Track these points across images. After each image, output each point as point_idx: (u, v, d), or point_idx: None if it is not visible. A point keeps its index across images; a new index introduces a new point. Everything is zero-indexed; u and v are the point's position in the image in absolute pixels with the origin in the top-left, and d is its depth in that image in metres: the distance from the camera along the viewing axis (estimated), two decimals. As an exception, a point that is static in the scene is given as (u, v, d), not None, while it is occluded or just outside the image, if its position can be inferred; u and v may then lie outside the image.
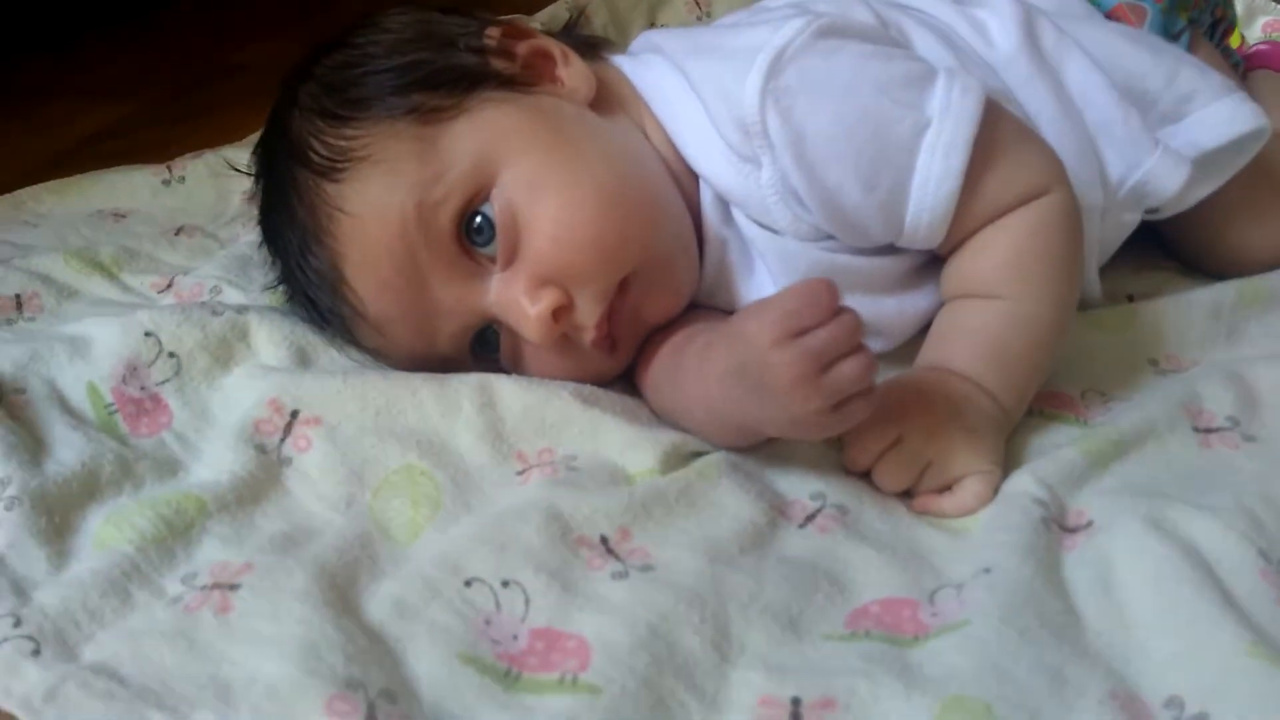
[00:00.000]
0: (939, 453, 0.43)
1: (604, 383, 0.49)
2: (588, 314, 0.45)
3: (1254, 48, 0.76)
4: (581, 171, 0.46)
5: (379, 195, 0.45)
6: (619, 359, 0.49)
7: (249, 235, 0.69)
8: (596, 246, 0.45)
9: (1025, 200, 0.46)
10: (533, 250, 0.45)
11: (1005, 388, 0.45)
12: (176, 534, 0.39)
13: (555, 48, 0.51)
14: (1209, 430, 0.46)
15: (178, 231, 0.70)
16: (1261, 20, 1.09)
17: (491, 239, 0.46)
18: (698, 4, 1.06)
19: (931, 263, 0.50)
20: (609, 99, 0.51)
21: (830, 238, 0.48)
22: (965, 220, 0.46)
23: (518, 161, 0.46)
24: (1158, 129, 0.53)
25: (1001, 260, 0.46)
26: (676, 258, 0.49)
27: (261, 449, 0.43)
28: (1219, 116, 0.53)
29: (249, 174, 0.53)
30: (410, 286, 0.46)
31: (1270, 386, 0.49)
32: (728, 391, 0.41)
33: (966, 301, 0.47)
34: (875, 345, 0.50)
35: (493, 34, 0.50)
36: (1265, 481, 0.42)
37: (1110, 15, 0.58)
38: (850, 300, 0.48)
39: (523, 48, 0.51)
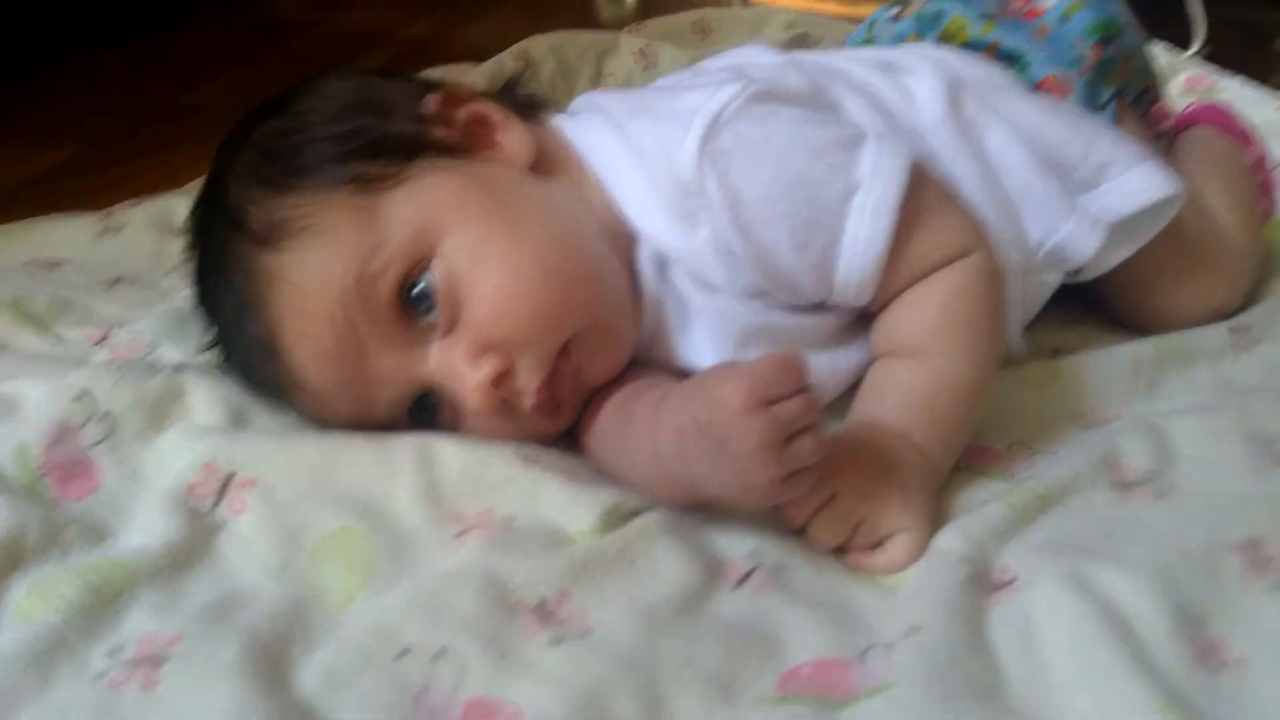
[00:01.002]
0: (871, 510, 0.44)
1: (547, 442, 0.49)
2: (528, 380, 0.46)
3: (1190, 106, 0.78)
4: (521, 239, 0.47)
5: (318, 265, 0.45)
6: (561, 420, 0.49)
7: (187, 288, 0.68)
8: (537, 314, 0.46)
9: (949, 261, 0.48)
10: (474, 318, 0.46)
11: (934, 443, 0.47)
12: (105, 603, 0.38)
13: (494, 112, 0.52)
14: (1128, 484, 0.48)
15: (115, 282, 0.70)
16: (1183, 75, 1.14)
17: (432, 308, 0.46)
18: (643, 54, 1.08)
19: (861, 320, 0.51)
20: (548, 162, 0.52)
21: (765, 295, 0.49)
22: (893, 280, 0.48)
23: (458, 231, 0.46)
24: (1076, 195, 0.55)
25: (928, 319, 0.48)
26: (616, 320, 0.49)
27: (195, 512, 0.43)
28: (1134, 184, 0.55)
29: (185, 233, 0.53)
30: (349, 355, 0.46)
31: (1186, 440, 0.51)
32: (681, 448, 0.42)
33: (895, 359, 0.49)
34: None
35: (432, 101, 0.51)
36: (1179, 536, 0.43)
37: (1039, 86, 0.61)
38: None
39: (462, 114, 0.51)
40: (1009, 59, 0.62)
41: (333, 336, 0.45)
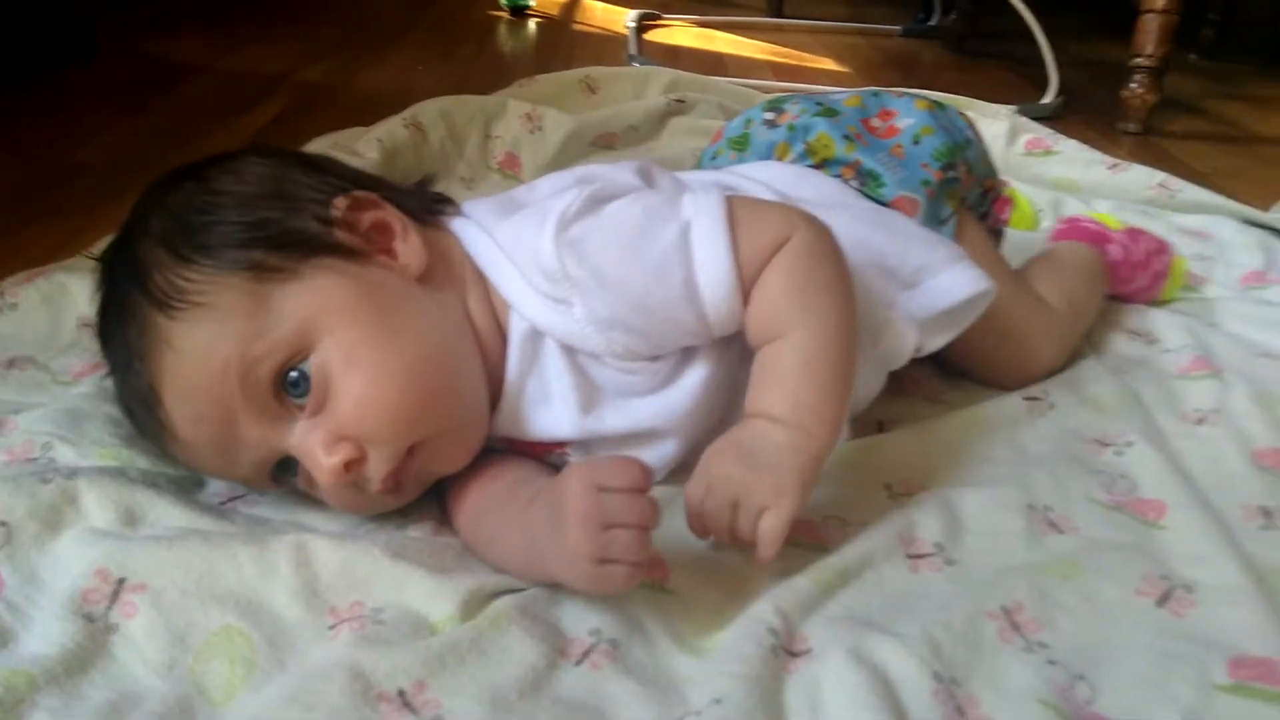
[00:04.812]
0: (741, 494, 0.51)
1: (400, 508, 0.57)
2: (377, 469, 0.52)
3: (1063, 225, 0.90)
4: (392, 351, 0.53)
5: (205, 340, 0.51)
6: (403, 498, 0.56)
7: (81, 364, 0.72)
8: (393, 420, 0.52)
9: (778, 249, 0.55)
10: (338, 411, 0.52)
11: (795, 409, 0.53)
12: (6, 710, 0.42)
13: (396, 222, 0.57)
14: (919, 556, 0.56)
15: (9, 364, 0.72)
16: (1024, 138, 1.25)
17: (306, 393, 0.52)
18: (530, 118, 1.14)
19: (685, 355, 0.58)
20: (438, 270, 0.58)
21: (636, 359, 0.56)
22: (744, 284, 0.55)
23: (337, 332, 0.52)
24: (900, 293, 0.63)
25: (769, 304, 0.55)
26: (467, 426, 0.56)
27: (89, 618, 0.47)
28: (947, 283, 0.63)
29: (98, 259, 0.57)
30: (222, 421, 0.51)
31: (973, 512, 0.59)
32: (537, 513, 0.49)
33: (763, 348, 0.56)
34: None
35: (340, 204, 0.56)
36: (951, 606, 0.51)
37: (892, 204, 0.69)
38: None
39: (366, 220, 0.57)
40: (867, 175, 0.70)
41: (208, 403, 0.51)
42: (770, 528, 0.51)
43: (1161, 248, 0.88)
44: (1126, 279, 0.86)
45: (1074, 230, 0.88)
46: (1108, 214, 0.97)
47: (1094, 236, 0.86)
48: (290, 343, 0.51)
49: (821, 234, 0.57)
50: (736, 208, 0.56)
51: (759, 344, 0.56)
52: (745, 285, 0.55)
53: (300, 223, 0.54)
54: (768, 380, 0.55)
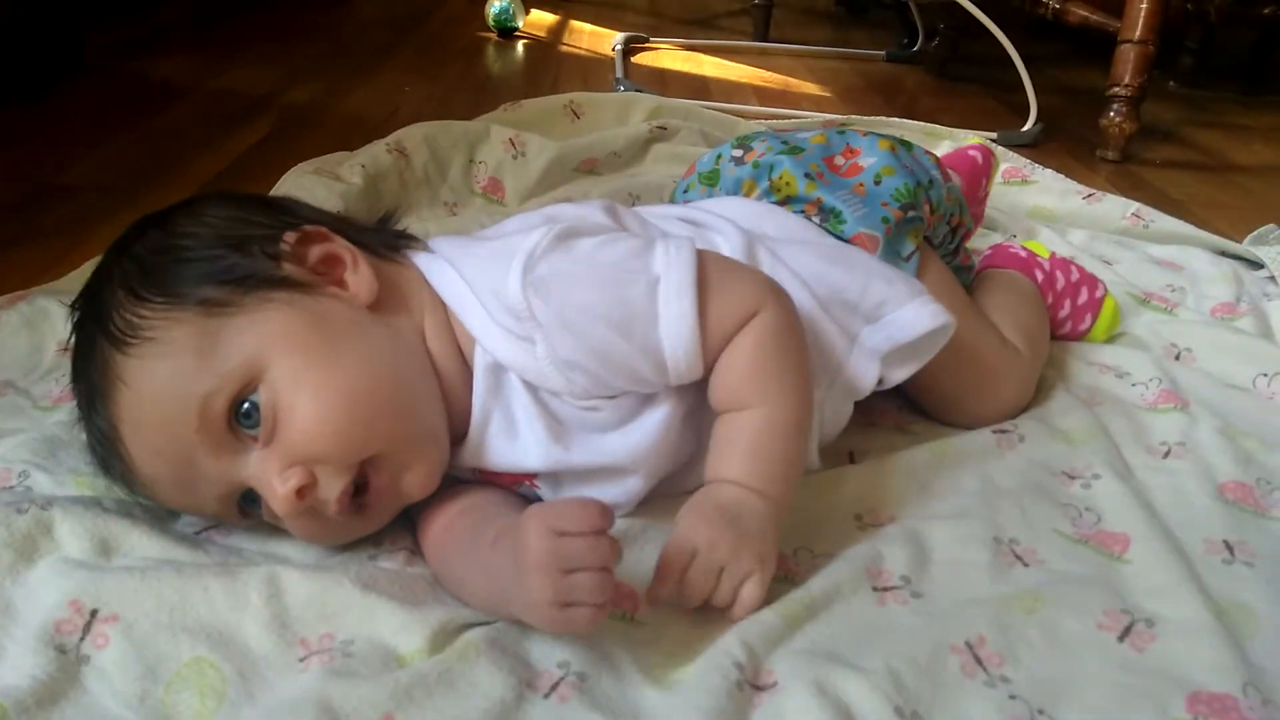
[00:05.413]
0: (729, 560, 0.53)
1: (364, 536, 0.57)
2: (328, 491, 0.53)
3: (988, 251, 0.90)
4: (335, 371, 0.53)
5: (157, 376, 0.52)
6: (370, 524, 0.57)
7: (60, 389, 0.72)
8: (337, 436, 0.52)
9: (746, 321, 0.57)
10: (287, 438, 0.52)
11: (767, 481, 0.55)
12: (-23, 742, 0.43)
13: (346, 253, 0.58)
14: (885, 589, 0.57)
15: (-11, 388, 0.73)
16: (1002, 167, 1.27)
17: (258, 423, 0.52)
18: (513, 144, 1.15)
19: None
20: (392, 300, 0.59)
21: (595, 398, 0.57)
22: (709, 345, 0.56)
23: (283, 361, 0.53)
24: (862, 328, 0.65)
25: (737, 377, 0.57)
26: (422, 445, 0.56)
27: (62, 649, 0.48)
28: (907, 317, 0.65)
29: (70, 307, 0.58)
30: (180, 457, 0.52)
31: (940, 544, 0.60)
32: (500, 554, 0.50)
33: (726, 416, 0.57)
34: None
35: (288, 239, 0.57)
36: (915, 639, 0.52)
37: (852, 241, 0.70)
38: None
39: (314, 253, 0.58)
40: (828, 212, 0.72)
41: (165, 439, 0.52)
42: (754, 594, 0.53)
43: (1091, 282, 0.89)
44: (1049, 307, 0.86)
45: (1002, 256, 0.88)
46: (1040, 244, 0.97)
47: (1021, 262, 0.87)
48: (240, 375, 0.52)
49: (788, 309, 0.58)
50: (709, 268, 0.57)
51: (723, 409, 0.58)
52: (709, 348, 0.56)
53: (248, 259, 0.55)
54: (736, 448, 0.56)
